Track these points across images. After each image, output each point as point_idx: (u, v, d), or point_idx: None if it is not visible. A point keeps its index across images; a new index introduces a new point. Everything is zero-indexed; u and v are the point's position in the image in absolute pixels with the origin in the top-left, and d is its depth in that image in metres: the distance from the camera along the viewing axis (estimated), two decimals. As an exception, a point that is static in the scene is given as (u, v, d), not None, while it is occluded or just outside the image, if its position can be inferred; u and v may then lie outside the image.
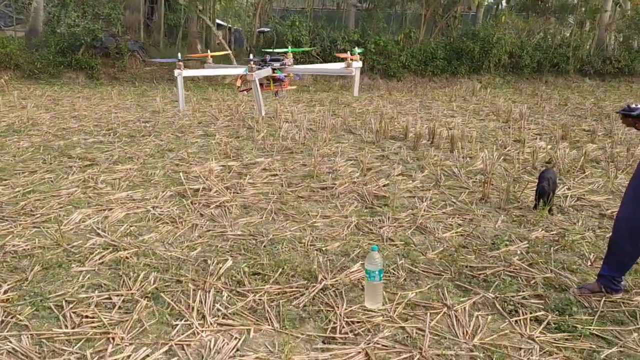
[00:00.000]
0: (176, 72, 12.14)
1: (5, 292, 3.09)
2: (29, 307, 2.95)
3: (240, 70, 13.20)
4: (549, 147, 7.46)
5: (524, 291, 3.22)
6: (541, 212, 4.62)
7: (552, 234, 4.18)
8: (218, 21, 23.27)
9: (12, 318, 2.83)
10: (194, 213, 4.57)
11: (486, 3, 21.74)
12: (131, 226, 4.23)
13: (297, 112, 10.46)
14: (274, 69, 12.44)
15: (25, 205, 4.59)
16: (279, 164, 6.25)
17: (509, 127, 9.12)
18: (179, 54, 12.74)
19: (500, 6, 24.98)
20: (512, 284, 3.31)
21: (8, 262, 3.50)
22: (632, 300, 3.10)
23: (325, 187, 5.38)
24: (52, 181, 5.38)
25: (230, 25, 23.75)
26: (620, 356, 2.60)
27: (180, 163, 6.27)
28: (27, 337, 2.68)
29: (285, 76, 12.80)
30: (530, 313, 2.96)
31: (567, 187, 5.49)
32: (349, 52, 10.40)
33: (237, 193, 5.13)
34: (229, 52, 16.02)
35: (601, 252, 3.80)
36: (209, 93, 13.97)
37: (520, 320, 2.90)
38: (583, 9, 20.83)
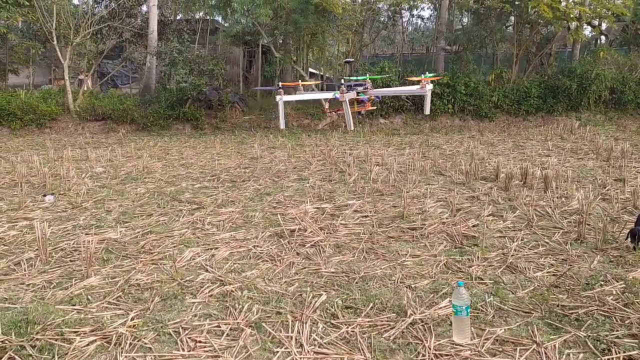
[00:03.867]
0: (277, 97, 14.08)
1: (132, 319, 3.54)
2: (152, 332, 3.37)
3: (329, 95, 15.00)
4: (653, 185, 7.13)
5: (617, 330, 3.19)
6: (641, 253, 4.48)
7: (652, 275, 4.05)
8: (311, 70, 24.40)
9: (138, 342, 3.25)
10: (290, 252, 4.91)
11: (583, 39, 21.06)
12: (235, 263, 4.63)
13: (387, 155, 10.73)
14: (357, 92, 13.85)
15: (144, 245, 5.16)
16: (370, 206, 6.50)
17: (610, 166, 8.80)
18: (279, 82, 14.37)
19: (598, 42, 24.10)
20: (606, 323, 3.29)
21: (132, 294, 4.00)
22: None
23: (415, 227, 5.55)
24: (165, 223, 5.99)
25: (322, 74, 24.78)
26: None
27: (277, 206, 6.71)
28: (152, 358, 3.07)
29: (367, 98, 14.47)
30: (624, 352, 2.94)
31: (671, 227, 5.25)
32: (422, 75, 12.19)
33: (330, 233, 5.43)
34: (315, 82, 17.36)
35: None
36: (303, 139, 14.65)
37: (612, 358, 2.89)
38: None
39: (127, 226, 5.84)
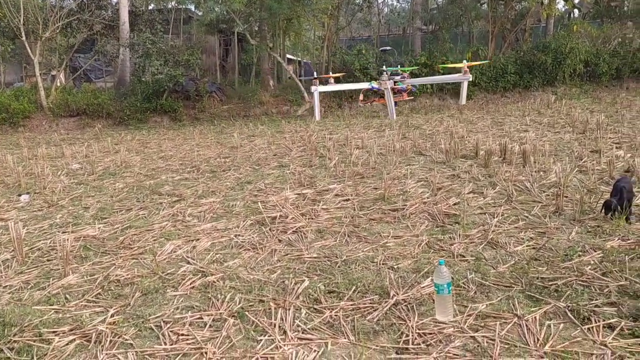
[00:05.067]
0: (312, 87, 14.31)
1: (112, 315, 3.49)
2: (133, 328, 3.32)
3: (365, 85, 15.19)
4: (628, 155, 7.22)
5: (596, 299, 3.23)
6: (618, 222, 4.54)
7: (629, 243, 4.11)
8: (288, 56, 24.22)
9: (119, 338, 3.21)
10: (272, 239, 4.88)
11: (556, 14, 21.18)
12: (217, 254, 4.59)
13: (367, 137, 10.71)
14: (395, 82, 13.96)
15: (123, 240, 5.09)
16: (351, 189, 6.49)
17: (586, 138, 8.89)
18: (315, 73, 14.70)
19: (571, 16, 24.25)
20: (585, 292, 3.32)
21: (112, 290, 3.94)
22: None
23: (396, 208, 5.55)
24: (145, 217, 5.92)
25: (299, 59, 24.61)
26: (698, 360, 2.58)
27: (259, 194, 6.66)
28: (133, 354, 3.03)
29: (405, 88, 14.58)
30: (603, 320, 2.98)
31: (647, 195, 5.33)
32: (464, 60, 12.29)
33: (312, 219, 5.41)
34: (342, 74, 17.37)
35: (681, 259, 3.71)
36: (282, 126, 14.57)
37: (592, 327, 2.92)
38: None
39: (105, 222, 5.76)
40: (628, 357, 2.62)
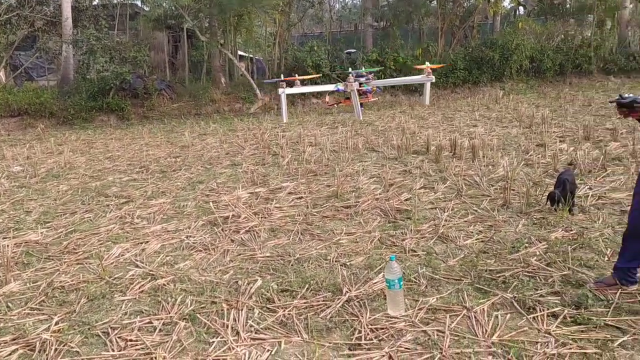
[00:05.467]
0: (280, 90, 14.02)
1: (57, 323, 3.35)
2: (79, 335, 3.20)
3: (331, 87, 15.12)
4: (571, 148, 7.49)
5: (541, 289, 3.33)
6: (561, 213, 4.70)
7: (572, 234, 4.26)
8: (240, 53, 23.96)
9: (64, 346, 3.09)
10: (225, 239, 4.81)
11: (502, 11, 21.79)
12: (167, 256, 4.49)
13: (320, 134, 10.72)
14: (360, 84, 13.97)
15: (68, 245, 4.90)
16: (304, 187, 6.48)
17: (532, 132, 9.18)
18: (282, 75, 14.34)
19: (517, 13, 25.00)
20: (530, 283, 3.43)
21: (57, 297, 3.79)
22: (649, 291, 3.17)
23: (349, 205, 5.57)
24: (91, 220, 5.72)
25: (251, 56, 24.38)
26: (634, 343, 2.69)
27: (210, 193, 6.56)
28: (79, 362, 2.93)
29: (370, 89, 14.64)
30: (548, 309, 3.07)
31: (588, 186, 5.55)
32: (426, 63, 12.41)
33: (265, 217, 5.37)
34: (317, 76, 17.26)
35: (618, 247, 3.86)
36: (235, 124, 14.41)
37: (537, 316, 3.01)
38: (603, 7, 20.65)
39: (48, 226, 5.54)
40: (571, 344, 2.71)
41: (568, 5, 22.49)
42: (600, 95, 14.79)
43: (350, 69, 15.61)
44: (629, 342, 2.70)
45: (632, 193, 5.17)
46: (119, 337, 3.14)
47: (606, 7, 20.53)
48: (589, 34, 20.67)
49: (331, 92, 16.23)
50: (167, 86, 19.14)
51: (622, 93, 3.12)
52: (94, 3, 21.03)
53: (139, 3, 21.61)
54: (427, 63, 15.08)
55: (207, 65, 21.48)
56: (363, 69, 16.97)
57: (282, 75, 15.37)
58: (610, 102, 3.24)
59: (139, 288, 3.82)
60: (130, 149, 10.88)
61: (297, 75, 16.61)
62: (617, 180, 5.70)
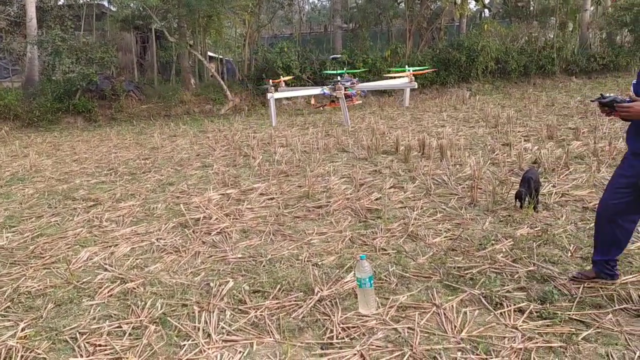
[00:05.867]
0: (268, 95, 13.89)
1: (23, 329, 3.29)
2: (46, 341, 3.14)
3: (317, 90, 15.28)
4: (535, 147, 7.68)
5: (508, 285, 3.42)
6: (527, 211, 4.82)
7: (536, 230, 4.37)
8: (210, 54, 23.78)
9: (31, 353, 3.03)
10: (196, 241, 4.78)
11: (468, 13, 22.18)
12: (137, 259, 4.44)
13: (291, 135, 10.73)
14: (345, 87, 14.13)
15: (34, 249, 4.80)
16: (275, 188, 6.48)
17: (497, 132, 9.37)
18: (270, 80, 14.25)
19: (482, 15, 25.47)
20: (497, 279, 3.51)
21: (23, 303, 3.71)
22: (610, 286, 3.28)
23: (321, 205, 5.60)
24: (58, 224, 5.61)
25: (221, 57, 24.22)
26: (597, 336, 2.78)
27: (181, 195, 6.50)
28: (47, 369, 2.88)
29: (355, 93, 14.90)
30: (514, 305, 3.15)
31: (552, 184, 5.70)
32: (407, 68, 12.58)
33: (237, 219, 5.35)
34: (292, 77, 17.55)
35: (581, 243, 4.00)
36: (205, 125, 14.30)
37: (504, 312, 3.09)
38: (565, 10, 21.23)
39: (14, 231, 5.41)
40: (537, 338, 2.79)
41: (532, 8, 23.04)
42: (563, 96, 15.19)
43: (339, 76, 15.73)
44: (592, 335, 2.79)
45: (593, 190, 5.36)
46: (87, 342, 3.10)
47: (568, 9, 21.11)
48: (552, 36, 21.22)
49: (316, 95, 16.31)
50: (135, 87, 18.87)
51: (603, 93, 3.21)
52: (59, 3, 20.61)
53: (105, 3, 21.24)
54: (409, 69, 15.30)
55: (176, 66, 21.25)
56: (344, 70, 17.09)
57: (340, 77, 15.37)
58: (592, 101, 3.33)
59: (108, 292, 3.77)
60: (98, 151, 10.70)
61: (267, 77, 16.62)
62: (579, 178, 5.86)
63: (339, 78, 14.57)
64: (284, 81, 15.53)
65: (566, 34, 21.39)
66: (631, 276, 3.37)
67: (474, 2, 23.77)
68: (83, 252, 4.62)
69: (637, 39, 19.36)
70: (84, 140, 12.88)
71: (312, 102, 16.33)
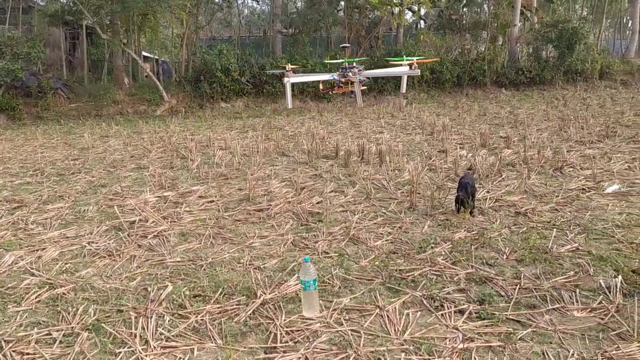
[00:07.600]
0: (285, 79, 14.24)
1: (-61, 340, 3.03)
2: (-34, 352, 2.92)
3: (327, 76, 16.02)
4: (470, 154, 7.95)
5: (448, 287, 3.49)
6: (463, 215, 4.96)
7: (473, 234, 4.51)
8: (144, 53, 23.09)
9: (-52, 365, 2.80)
10: (131, 245, 4.59)
11: (405, 24, 22.76)
12: (66, 263, 4.21)
13: (230, 138, 10.57)
14: (353, 74, 14.74)
15: (-48, 253, 4.46)
16: (215, 190, 6.35)
17: (434, 139, 9.63)
18: (288, 64, 14.63)
19: (418, 26, 26.21)
20: (438, 281, 3.58)
21: (-61, 311, 3.43)
22: (542, 286, 3.42)
23: (262, 208, 5.53)
24: (-21, 226, 5.24)
25: (157, 57, 23.56)
26: (533, 335, 2.89)
27: (115, 197, 6.24)
28: (-34, 382, 2.66)
29: (362, 79, 15.75)
30: (455, 306, 3.23)
31: (486, 190, 5.91)
32: (404, 57, 13.37)
33: (175, 222, 5.19)
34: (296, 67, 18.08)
35: (515, 246, 4.16)
36: (140, 126, 13.85)
37: (445, 313, 3.15)
38: (495, 24, 22.20)
39: None
40: (477, 338, 2.86)
41: (464, 22, 23.96)
42: (494, 106, 15.84)
43: (346, 63, 16.79)
44: (529, 335, 2.89)
45: (524, 196, 5.60)
46: (14, 351, 2.89)
47: (498, 24, 22.10)
48: (483, 49, 22.12)
49: (326, 81, 17.39)
50: (63, 85, 18.02)
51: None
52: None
53: (33, -4, 20.18)
54: (409, 58, 16.39)
55: (108, 65, 20.47)
56: (344, 60, 17.46)
57: (355, 63, 16.28)
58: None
59: (36, 298, 3.55)
60: (22, 150, 10.11)
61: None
62: (511, 184, 6.11)
63: (346, 65, 15.91)
64: (292, 69, 16.47)
65: (496, 48, 22.36)
66: (562, 277, 3.53)
67: (410, 13, 24.44)
68: (7, 255, 4.34)
69: (561, 55, 20.50)
70: (7, 139, 12.14)
71: (320, 87, 17.72)
